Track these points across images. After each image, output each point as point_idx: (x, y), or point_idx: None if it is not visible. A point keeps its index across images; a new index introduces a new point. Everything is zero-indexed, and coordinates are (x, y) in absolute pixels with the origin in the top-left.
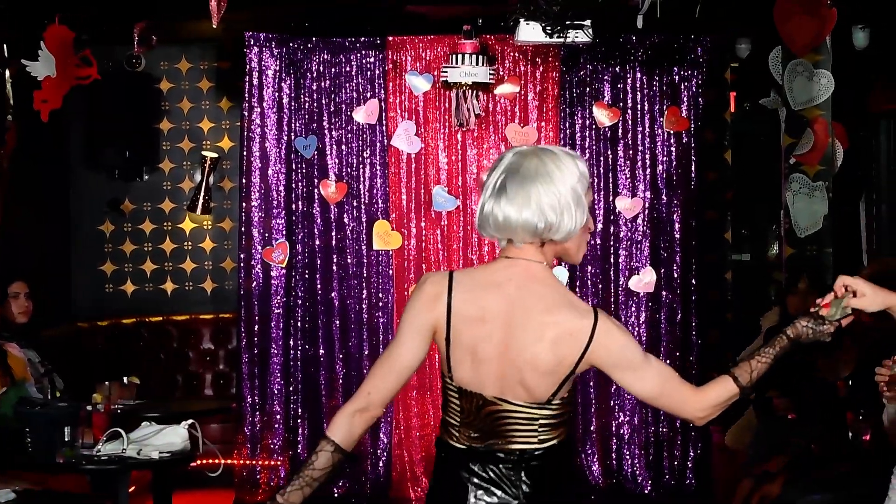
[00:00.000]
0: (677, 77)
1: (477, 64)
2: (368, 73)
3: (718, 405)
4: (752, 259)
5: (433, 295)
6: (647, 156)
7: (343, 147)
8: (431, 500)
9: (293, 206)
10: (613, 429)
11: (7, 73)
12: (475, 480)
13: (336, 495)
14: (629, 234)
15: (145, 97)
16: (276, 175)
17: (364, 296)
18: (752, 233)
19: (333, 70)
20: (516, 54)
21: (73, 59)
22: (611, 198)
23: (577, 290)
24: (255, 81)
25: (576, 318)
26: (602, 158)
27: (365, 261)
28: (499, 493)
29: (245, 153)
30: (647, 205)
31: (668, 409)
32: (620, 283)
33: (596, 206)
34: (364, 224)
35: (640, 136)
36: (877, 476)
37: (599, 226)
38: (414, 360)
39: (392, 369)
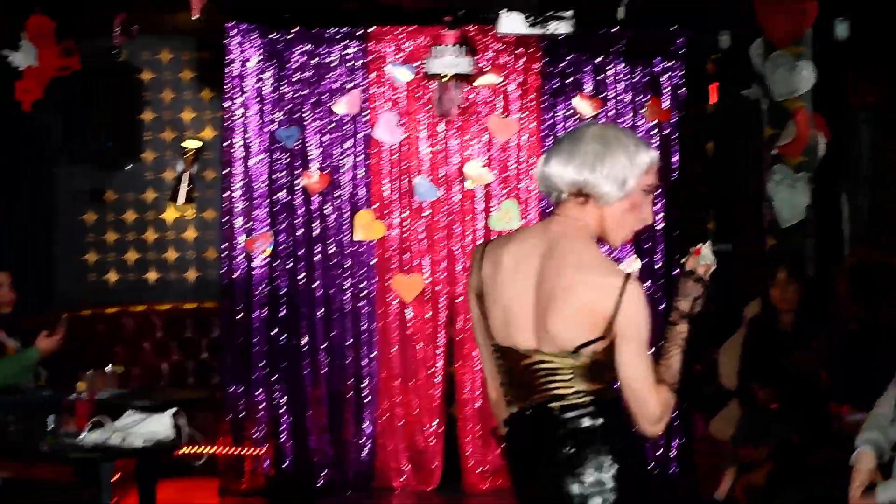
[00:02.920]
0: (658, 69)
1: (459, 55)
2: (350, 63)
3: (665, 414)
4: (734, 250)
5: (472, 266)
6: None
7: (325, 138)
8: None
9: (275, 196)
10: None
11: None
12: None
13: (319, 484)
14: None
15: (127, 88)
16: (257, 165)
17: (346, 286)
18: (733, 224)
19: (315, 61)
20: (498, 45)
21: (55, 49)
22: None
23: None
24: (237, 72)
25: (607, 276)
26: None
27: (347, 251)
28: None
29: (227, 144)
30: None
31: (632, 408)
32: None
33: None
34: (346, 214)
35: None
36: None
37: None
38: (479, 325)
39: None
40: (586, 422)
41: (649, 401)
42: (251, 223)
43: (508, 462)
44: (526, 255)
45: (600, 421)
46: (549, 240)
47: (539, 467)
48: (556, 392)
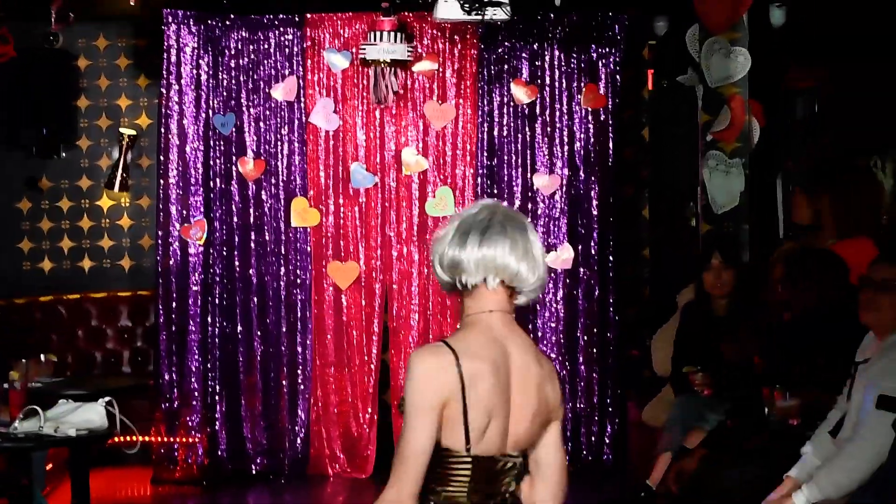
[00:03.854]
0: (595, 55)
1: (395, 41)
2: (287, 50)
3: None
4: (669, 235)
5: (437, 368)
6: (565, 133)
7: (261, 124)
8: None
9: (211, 183)
10: None
11: None
12: None
13: (254, 472)
14: (547, 210)
15: (63, 74)
16: (194, 152)
17: (282, 273)
18: (669, 209)
19: (252, 47)
20: (434, 32)
21: None
22: (529, 175)
23: None
24: (173, 59)
25: (545, 359)
26: (520, 135)
27: (283, 238)
28: None
29: (163, 130)
30: (564, 182)
31: (561, 491)
32: None
33: (514, 183)
34: (282, 201)
35: (557, 114)
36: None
37: (517, 203)
38: (432, 443)
39: (423, 464)
40: None
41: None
42: (187, 211)
43: None
44: (497, 359)
45: None
46: (510, 341)
47: None
48: (511, 494)
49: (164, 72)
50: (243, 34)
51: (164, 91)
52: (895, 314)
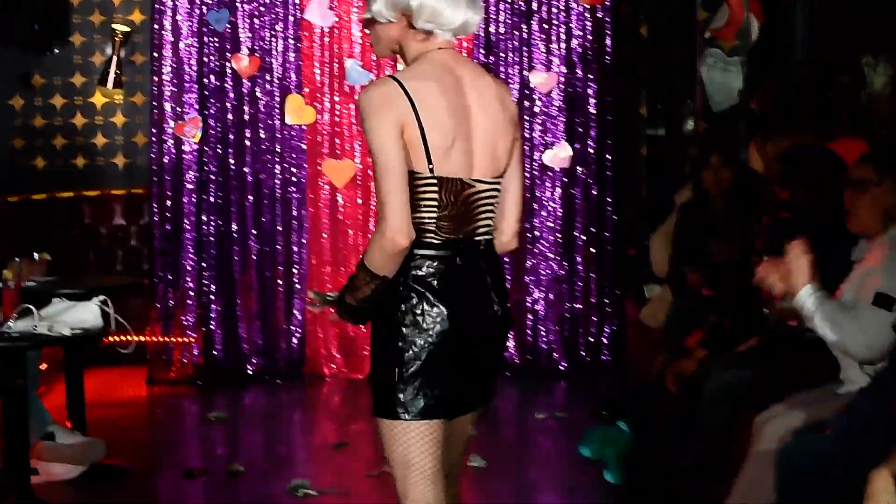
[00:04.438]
0: None
1: None
2: None
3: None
4: (667, 134)
5: (383, 95)
6: (562, 30)
7: (255, 21)
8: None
9: (205, 80)
10: (529, 305)
11: None
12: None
13: (250, 373)
14: (544, 109)
15: None
16: (187, 49)
17: (277, 171)
18: (666, 108)
19: None
20: None
21: None
22: (525, 72)
23: None
24: None
25: (499, 83)
26: (516, 32)
27: (278, 135)
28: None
29: (156, 27)
30: (562, 80)
31: (516, 215)
32: (535, 158)
33: (511, 81)
34: (277, 98)
35: (554, 10)
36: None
37: (514, 100)
38: (404, 168)
39: (406, 187)
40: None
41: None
42: (181, 108)
43: (442, 292)
44: (450, 85)
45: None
46: (461, 68)
47: (478, 293)
48: (484, 225)
49: None
50: None
51: None
52: (873, 213)
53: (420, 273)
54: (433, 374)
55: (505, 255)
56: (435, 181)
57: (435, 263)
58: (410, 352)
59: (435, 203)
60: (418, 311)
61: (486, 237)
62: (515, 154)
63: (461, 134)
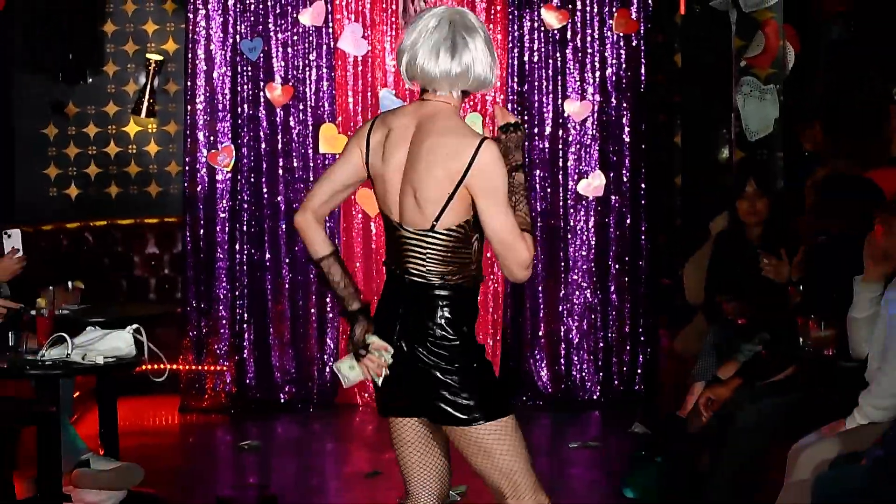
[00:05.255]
0: None
1: None
2: None
3: (532, 257)
4: (702, 163)
5: (358, 134)
6: (597, 58)
7: (289, 49)
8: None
9: (238, 109)
10: (562, 334)
11: None
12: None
13: (282, 401)
14: (578, 137)
15: None
16: (221, 78)
17: None
18: (701, 136)
19: None
20: None
21: None
22: (560, 101)
23: None
24: None
25: (463, 139)
26: (550, 61)
27: (311, 164)
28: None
29: (190, 56)
30: (596, 108)
31: (505, 258)
32: (569, 187)
33: (545, 110)
34: (310, 127)
35: (589, 39)
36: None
37: (548, 129)
38: (347, 179)
39: (331, 182)
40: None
41: (518, 247)
42: (214, 136)
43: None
44: (398, 132)
45: (456, 305)
46: (420, 119)
47: (407, 325)
48: (414, 270)
49: None
50: None
51: (190, 16)
52: None
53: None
54: None
55: (537, 284)
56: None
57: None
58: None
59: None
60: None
61: (414, 278)
62: (480, 205)
63: (393, 179)
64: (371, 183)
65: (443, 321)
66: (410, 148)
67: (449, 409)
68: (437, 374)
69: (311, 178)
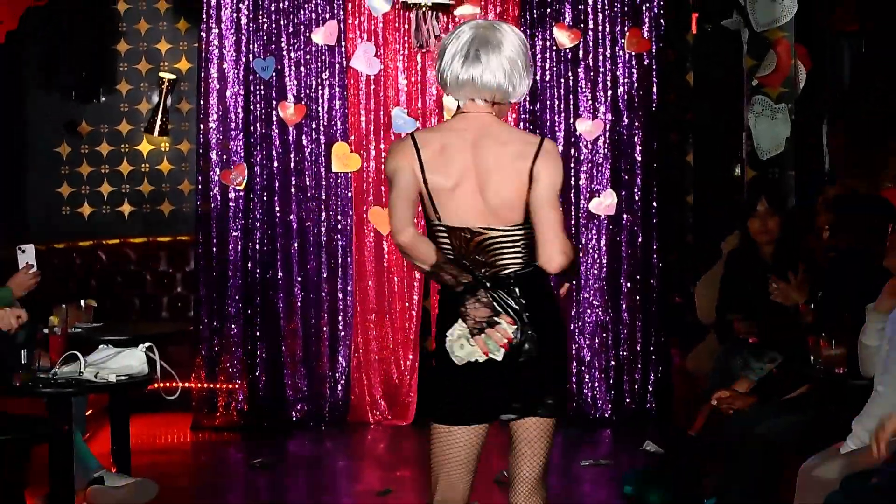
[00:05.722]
0: None
1: None
2: None
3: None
4: (713, 181)
5: (403, 152)
6: (608, 77)
7: (302, 68)
8: (441, 335)
9: (251, 127)
10: (574, 352)
11: None
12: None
13: (294, 419)
14: (590, 156)
15: (102, 18)
16: (234, 97)
17: (323, 218)
18: (713, 155)
19: None
20: None
21: None
22: (571, 120)
23: None
24: (214, 2)
25: (525, 143)
26: (562, 80)
27: (324, 183)
28: (498, 315)
29: (203, 75)
30: (607, 127)
31: (548, 243)
32: (581, 205)
33: (557, 129)
34: (323, 146)
35: (600, 58)
36: (836, 400)
37: (560, 148)
38: (412, 194)
39: (408, 200)
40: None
41: (563, 233)
42: (227, 155)
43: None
44: (456, 145)
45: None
46: (473, 130)
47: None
48: (508, 262)
49: (204, 15)
50: None
51: (203, 35)
52: None
53: None
54: None
55: None
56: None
57: None
58: None
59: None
60: None
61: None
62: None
63: (463, 190)
64: (426, 196)
65: (548, 300)
66: (476, 160)
67: (551, 400)
68: (553, 356)
69: (324, 197)
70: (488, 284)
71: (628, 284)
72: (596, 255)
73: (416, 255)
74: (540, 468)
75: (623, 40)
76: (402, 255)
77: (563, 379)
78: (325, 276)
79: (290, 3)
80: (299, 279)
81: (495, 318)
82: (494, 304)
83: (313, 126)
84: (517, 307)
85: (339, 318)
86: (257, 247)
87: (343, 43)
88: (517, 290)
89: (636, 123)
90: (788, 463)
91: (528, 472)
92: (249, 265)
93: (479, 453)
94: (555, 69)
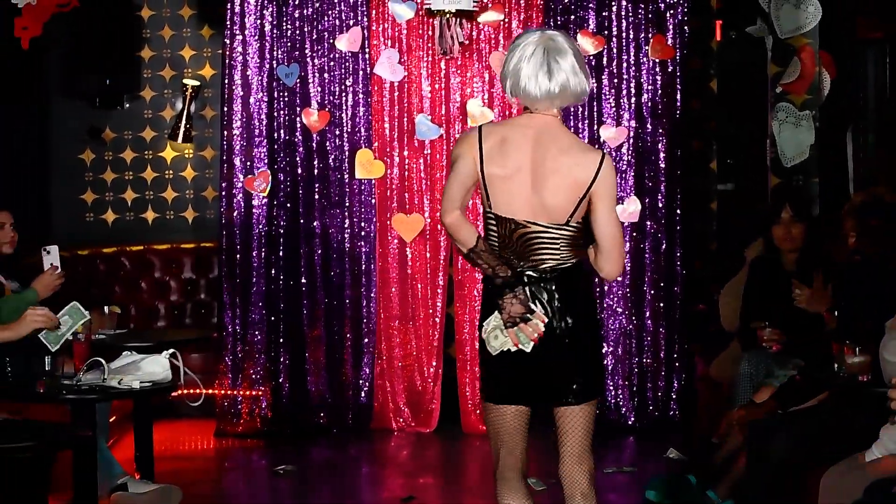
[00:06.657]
0: (662, 5)
1: None
2: (351, 0)
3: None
4: (737, 189)
5: (468, 142)
6: (633, 84)
7: (325, 75)
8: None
9: (275, 134)
10: None
11: None
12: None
13: (318, 426)
14: (614, 163)
15: (126, 25)
16: (257, 103)
17: (346, 225)
18: (737, 162)
19: None
20: None
21: None
22: (595, 127)
23: None
24: (237, 9)
25: (587, 154)
26: None
27: (347, 190)
28: (534, 305)
29: (227, 81)
30: (631, 134)
31: (612, 254)
32: None
33: (581, 135)
34: (346, 153)
35: (624, 65)
36: (857, 407)
37: None
38: (469, 179)
39: (462, 185)
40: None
41: (622, 244)
42: (250, 162)
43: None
44: (517, 141)
45: (578, 276)
46: (536, 130)
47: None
48: (547, 257)
49: (228, 22)
50: None
51: (227, 41)
52: None
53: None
54: None
55: None
56: (493, 217)
57: None
58: None
59: (496, 235)
60: None
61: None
62: (597, 209)
63: (516, 184)
64: (481, 185)
65: (583, 296)
66: (534, 157)
67: (580, 388)
68: (583, 348)
69: (347, 204)
70: (526, 280)
71: (652, 292)
72: None
73: (457, 237)
74: (581, 444)
75: (647, 47)
76: (426, 262)
77: (591, 370)
78: (348, 282)
79: (314, 9)
80: (323, 286)
81: (528, 315)
82: (529, 301)
83: (337, 133)
84: (552, 302)
85: (363, 324)
86: (281, 253)
87: (367, 50)
88: (553, 285)
89: (660, 130)
90: (810, 470)
91: (571, 448)
92: (273, 272)
93: (527, 425)
94: None
